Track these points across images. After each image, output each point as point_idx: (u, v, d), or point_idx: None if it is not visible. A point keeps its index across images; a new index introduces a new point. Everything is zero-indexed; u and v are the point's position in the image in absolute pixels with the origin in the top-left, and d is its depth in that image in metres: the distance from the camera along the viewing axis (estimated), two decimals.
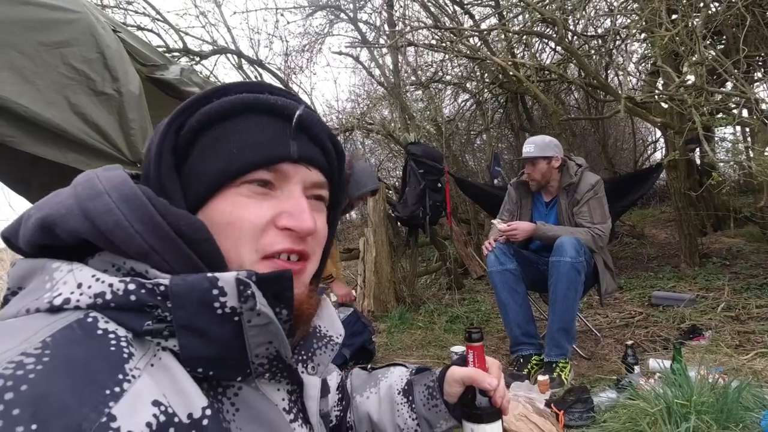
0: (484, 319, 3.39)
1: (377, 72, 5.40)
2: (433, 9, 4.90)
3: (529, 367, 2.26)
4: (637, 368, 2.02)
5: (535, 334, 2.36)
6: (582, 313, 2.94)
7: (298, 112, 0.50)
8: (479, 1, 5.44)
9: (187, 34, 4.53)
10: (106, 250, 0.43)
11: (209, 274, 0.41)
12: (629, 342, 2.10)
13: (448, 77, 5.98)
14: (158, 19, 4.50)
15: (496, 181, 4.58)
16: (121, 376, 0.35)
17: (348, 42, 5.41)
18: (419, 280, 4.64)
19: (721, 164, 3.96)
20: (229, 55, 4.86)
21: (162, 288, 0.40)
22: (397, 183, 5.15)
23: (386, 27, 5.06)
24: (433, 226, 4.21)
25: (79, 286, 0.39)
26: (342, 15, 5.17)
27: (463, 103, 6.59)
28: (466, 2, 5.16)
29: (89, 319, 0.38)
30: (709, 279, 3.47)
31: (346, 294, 2.72)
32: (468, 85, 6.29)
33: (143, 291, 0.40)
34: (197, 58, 4.42)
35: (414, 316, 3.58)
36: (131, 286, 0.40)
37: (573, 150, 5.30)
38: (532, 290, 2.64)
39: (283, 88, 0.57)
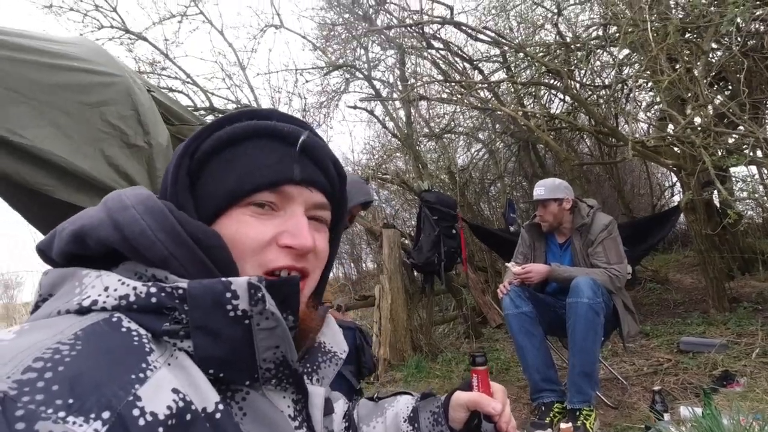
0: (504, 368, 3.28)
1: (391, 124, 5.63)
2: (443, 65, 5.18)
3: (551, 415, 2.16)
4: (666, 416, 1.91)
5: (557, 380, 2.27)
6: (607, 361, 2.82)
7: (302, 138, 0.54)
8: (487, 57, 5.74)
9: (213, 94, 4.90)
10: (131, 257, 0.47)
11: (223, 279, 0.45)
12: (656, 387, 2.01)
13: (461, 128, 6.19)
14: (188, 82, 4.87)
15: (512, 228, 4.58)
16: (144, 365, 0.38)
17: (362, 97, 5.70)
18: (436, 328, 4.55)
19: (738, 204, 3.91)
20: None
21: (180, 291, 0.43)
22: (412, 231, 5.19)
23: (399, 82, 5.34)
24: (449, 272, 4.19)
25: (106, 289, 0.43)
26: (357, 73, 5.49)
27: (476, 153, 6.75)
28: (474, 59, 5.45)
29: (114, 319, 0.41)
30: (741, 324, 3.31)
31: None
32: (480, 135, 6.48)
33: (163, 294, 0.43)
34: (221, 116, 4.71)
35: (431, 365, 3.48)
36: (152, 289, 0.43)
37: (588, 197, 5.32)
38: (551, 335, 2.57)
39: (290, 115, 0.61)
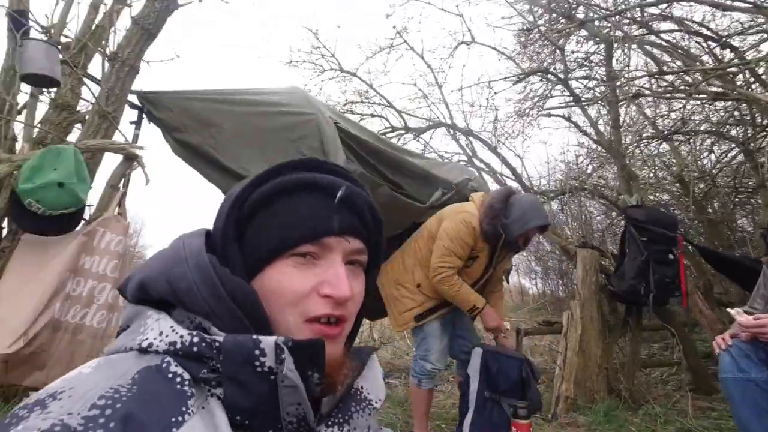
0: None
1: (591, 130, 4.96)
2: (667, 52, 4.26)
3: None
4: None
5: None
6: None
7: (340, 193, 0.56)
8: (742, 30, 4.41)
9: (411, 115, 5.33)
10: (182, 307, 0.55)
11: (254, 336, 0.48)
12: None
13: (705, 125, 4.94)
14: (388, 106, 5.43)
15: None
16: (184, 409, 0.44)
17: (561, 103, 5.21)
18: (645, 372, 3.77)
19: None
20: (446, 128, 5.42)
21: (217, 344, 0.48)
22: (616, 251, 4.46)
23: (604, 82, 4.66)
24: (663, 306, 3.42)
25: (161, 333, 0.49)
26: (553, 78, 5.06)
27: (723, 155, 5.28)
28: (722, 35, 4.27)
29: (164, 364, 0.47)
30: None
31: (497, 326, 2.43)
32: (733, 131, 5.04)
33: (204, 344, 0.48)
34: (414, 134, 5.08)
35: (628, 416, 2.90)
36: (195, 339, 0.48)
37: None
38: None
39: (332, 164, 0.63)
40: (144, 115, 2.39)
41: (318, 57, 5.51)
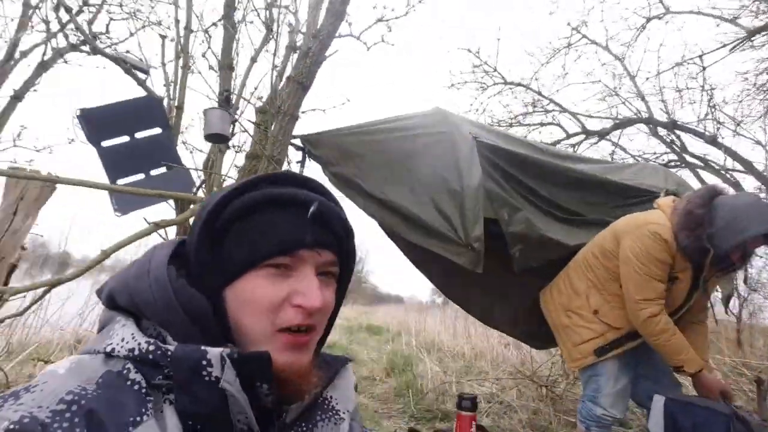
0: None
1: None
2: None
3: None
4: None
5: None
6: None
7: (312, 209, 0.58)
8: None
9: (594, 116, 4.64)
10: (142, 317, 0.58)
11: (202, 348, 0.50)
12: None
13: None
14: (563, 111, 4.87)
15: None
16: (142, 410, 0.48)
17: None
18: None
19: None
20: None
21: (169, 353, 0.51)
22: None
23: None
24: None
25: (122, 340, 0.53)
26: None
27: None
28: None
29: (125, 371, 0.51)
30: None
31: (723, 390, 1.78)
32: None
33: (159, 353, 0.51)
34: (596, 137, 4.38)
35: None
36: (151, 348, 0.51)
37: None
38: None
39: (305, 177, 0.64)
40: (306, 155, 2.80)
41: (482, 73, 5.44)
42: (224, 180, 2.39)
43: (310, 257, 0.58)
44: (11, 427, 0.39)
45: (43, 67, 3.40)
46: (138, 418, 0.47)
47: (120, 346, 0.52)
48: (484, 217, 2.12)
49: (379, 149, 2.49)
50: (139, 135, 2.27)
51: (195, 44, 2.93)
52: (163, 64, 2.87)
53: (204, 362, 0.49)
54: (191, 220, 2.22)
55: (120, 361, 0.52)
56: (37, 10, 3.25)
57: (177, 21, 2.92)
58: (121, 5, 3.36)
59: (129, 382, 0.50)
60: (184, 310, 0.54)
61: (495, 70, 5.36)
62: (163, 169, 2.27)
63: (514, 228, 2.24)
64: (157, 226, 1.91)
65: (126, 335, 0.53)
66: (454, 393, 4.26)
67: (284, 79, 2.77)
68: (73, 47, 3.37)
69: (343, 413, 0.64)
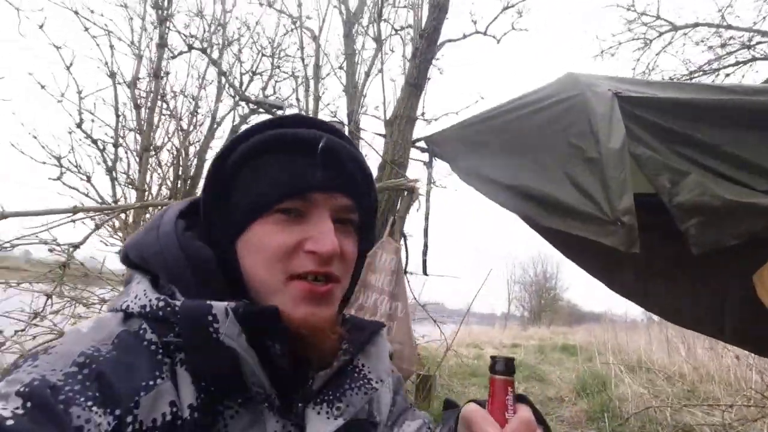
0: None
1: None
2: None
3: None
4: None
5: None
6: None
7: (321, 144, 0.53)
8: None
9: None
10: (154, 274, 0.55)
11: (207, 302, 0.47)
12: None
13: None
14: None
15: None
16: (156, 373, 0.46)
17: None
18: None
19: None
20: None
21: (177, 308, 0.49)
22: None
23: None
24: None
25: (136, 296, 0.52)
26: None
27: None
28: None
29: (141, 331, 0.49)
30: None
31: None
32: None
33: (168, 309, 0.49)
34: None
35: None
36: (161, 304, 0.49)
37: None
38: None
39: (316, 119, 0.60)
40: (432, 155, 2.75)
41: (641, 30, 4.44)
42: None
43: (324, 200, 0.54)
44: (21, 389, 0.39)
45: (233, 131, 4.40)
46: (150, 382, 0.45)
47: (133, 302, 0.51)
48: (635, 194, 1.67)
49: (502, 132, 2.27)
50: None
51: (322, 76, 3.27)
52: (298, 100, 3.29)
53: (210, 317, 0.46)
54: None
55: (137, 321, 0.50)
56: (226, 87, 4.29)
57: (303, 61, 3.33)
58: (279, 67, 4.06)
59: (145, 343, 0.48)
60: (190, 263, 0.52)
61: (658, 17, 4.36)
62: None
63: (682, 198, 1.71)
64: None
65: (139, 292, 0.52)
66: (668, 422, 3.43)
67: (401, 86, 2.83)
68: (253, 111, 4.22)
69: (376, 382, 0.58)
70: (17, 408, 0.37)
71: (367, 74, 2.99)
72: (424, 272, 2.48)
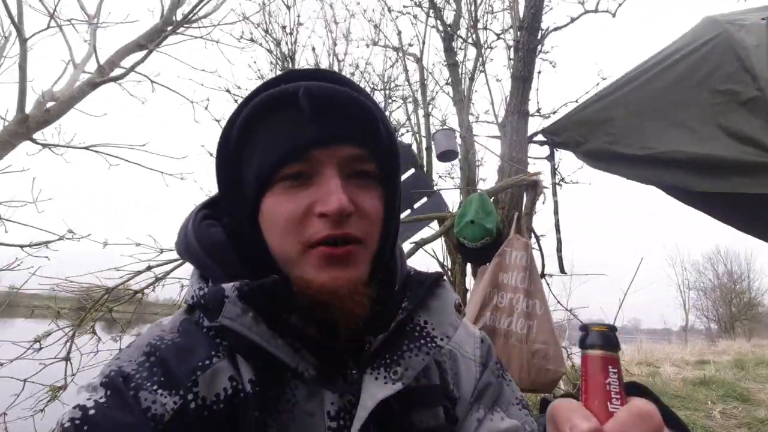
0: None
1: None
2: None
3: None
4: None
5: None
6: None
7: (300, 93, 0.48)
8: None
9: None
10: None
11: (221, 285, 0.47)
12: None
13: None
14: None
15: None
16: (213, 353, 0.48)
17: None
18: None
19: None
20: None
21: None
22: None
23: None
24: None
25: (190, 288, 0.54)
26: None
27: None
28: None
29: (200, 319, 0.52)
30: None
31: None
32: None
33: (207, 297, 0.49)
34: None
35: None
36: (200, 293, 0.50)
37: None
38: None
39: (305, 69, 0.55)
40: (552, 147, 2.57)
41: None
42: (479, 191, 2.51)
43: (326, 156, 0.48)
44: (103, 380, 0.45)
45: None
46: (207, 362, 0.47)
47: (188, 295, 0.54)
48: None
49: (630, 101, 2.03)
50: (402, 178, 2.75)
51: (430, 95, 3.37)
52: (408, 119, 3.43)
53: (226, 300, 0.46)
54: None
55: (197, 312, 0.53)
56: None
57: (411, 86, 3.47)
58: (390, 97, 4.35)
59: (204, 330, 0.50)
60: (205, 250, 0.53)
61: None
62: (423, 200, 2.61)
63: None
64: (418, 245, 2.16)
65: (191, 284, 0.55)
66: None
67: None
68: None
69: (441, 339, 0.52)
70: (101, 397, 0.43)
71: (471, 79, 3.01)
72: (562, 270, 2.29)
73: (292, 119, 0.49)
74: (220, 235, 0.53)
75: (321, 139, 0.48)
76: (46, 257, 2.76)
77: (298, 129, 0.48)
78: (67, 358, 2.22)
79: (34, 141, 3.17)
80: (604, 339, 0.40)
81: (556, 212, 2.35)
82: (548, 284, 2.65)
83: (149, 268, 2.33)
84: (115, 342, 2.53)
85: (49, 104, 3.21)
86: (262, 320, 0.46)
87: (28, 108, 2.94)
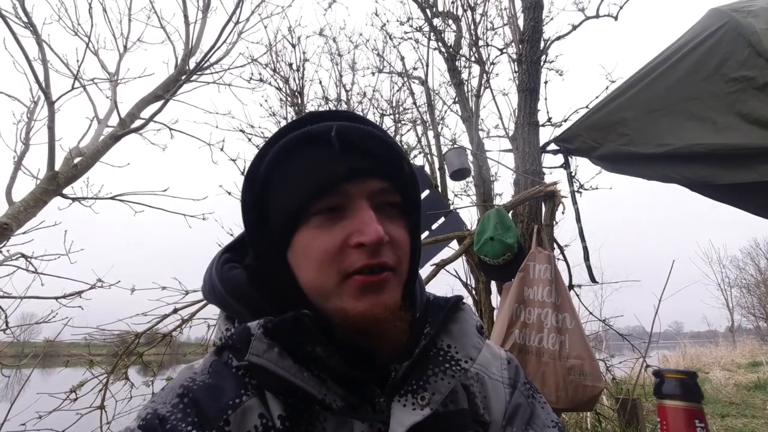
0: None
1: None
2: None
3: None
4: None
5: None
6: None
7: (332, 132, 0.51)
8: None
9: None
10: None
11: (247, 324, 0.49)
12: None
13: None
14: None
15: None
16: (242, 392, 0.49)
17: None
18: None
19: None
20: None
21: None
22: None
23: None
24: None
25: (218, 330, 0.56)
26: None
27: None
28: None
29: (229, 360, 0.53)
30: None
31: None
32: None
33: (234, 338, 0.50)
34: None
35: None
36: (228, 334, 0.52)
37: None
38: None
39: (323, 111, 0.58)
40: (566, 155, 2.53)
41: None
42: (496, 206, 2.48)
43: (356, 189, 0.51)
44: (141, 423, 0.47)
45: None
46: (237, 400, 0.48)
47: (216, 336, 0.56)
48: None
49: (641, 100, 1.99)
50: None
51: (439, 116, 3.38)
52: (419, 141, 3.43)
53: (252, 338, 0.47)
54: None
55: (225, 355, 0.54)
56: None
57: (419, 108, 3.50)
58: (400, 122, 4.41)
59: (234, 369, 0.52)
60: (229, 292, 0.55)
61: None
62: (441, 220, 2.58)
63: None
64: (438, 266, 2.13)
65: (219, 325, 0.57)
66: None
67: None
68: None
69: (465, 362, 0.52)
70: None
71: (478, 96, 3.01)
72: (592, 279, 2.22)
73: (323, 156, 0.51)
74: (242, 276, 0.55)
75: (351, 174, 0.51)
76: (79, 307, 2.85)
77: (330, 165, 0.51)
78: (101, 407, 2.25)
79: (64, 196, 3.31)
80: (684, 388, 0.38)
81: (578, 220, 2.29)
82: (578, 295, 2.57)
83: (175, 310, 2.36)
84: (147, 387, 2.56)
85: (77, 160, 3.37)
86: (287, 355, 0.47)
87: (57, 165, 3.09)
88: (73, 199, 3.43)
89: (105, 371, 2.37)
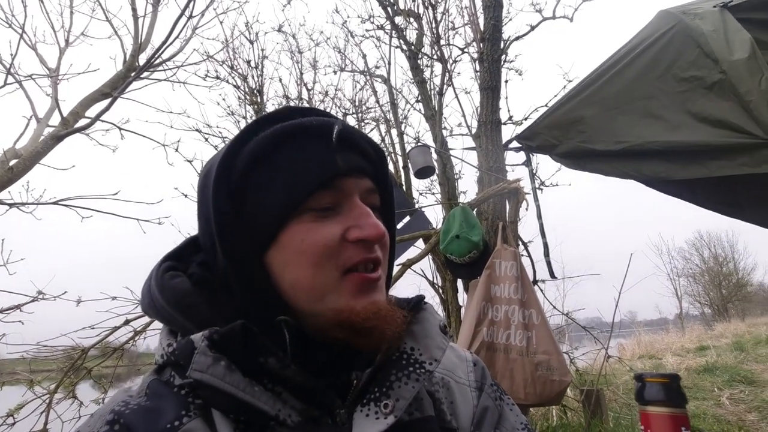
0: None
1: None
2: None
3: None
4: None
5: None
6: None
7: (336, 128, 0.50)
8: None
9: None
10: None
11: (190, 338, 0.44)
12: None
13: None
14: None
15: None
16: (183, 413, 0.45)
17: None
18: None
19: None
20: None
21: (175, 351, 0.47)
22: None
23: None
24: None
25: (159, 346, 0.52)
26: None
27: None
28: None
29: (171, 377, 0.49)
30: None
31: None
32: None
33: (176, 353, 0.46)
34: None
35: None
36: (169, 350, 0.48)
37: None
38: None
39: (312, 108, 0.57)
40: (527, 152, 2.57)
41: None
42: (460, 204, 2.48)
43: (351, 185, 0.50)
44: None
45: None
46: (176, 423, 0.43)
47: (157, 353, 0.52)
48: None
49: (598, 98, 2.04)
50: None
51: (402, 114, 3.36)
52: (383, 140, 3.41)
53: (195, 352, 0.43)
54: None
55: (168, 370, 0.50)
56: None
57: (381, 107, 3.47)
58: (363, 120, 4.38)
59: (175, 389, 0.47)
60: (170, 304, 0.50)
61: None
62: (405, 219, 2.56)
63: None
64: (405, 266, 2.10)
65: (160, 341, 0.52)
66: None
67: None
68: None
69: (430, 363, 0.50)
70: None
71: (441, 94, 3.02)
72: (551, 275, 2.25)
73: (323, 150, 0.49)
74: (185, 285, 0.50)
75: (348, 171, 0.50)
76: (19, 321, 2.62)
77: (326, 160, 0.49)
78: (44, 430, 2.07)
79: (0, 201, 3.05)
80: (668, 393, 0.36)
81: (539, 217, 2.32)
82: (542, 290, 2.61)
83: (127, 321, 2.21)
84: (98, 405, 2.38)
85: (13, 162, 3.11)
86: (236, 368, 0.43)
87: None
88: (10, 205, 3.16)
89: (47, 391, 2.18)
